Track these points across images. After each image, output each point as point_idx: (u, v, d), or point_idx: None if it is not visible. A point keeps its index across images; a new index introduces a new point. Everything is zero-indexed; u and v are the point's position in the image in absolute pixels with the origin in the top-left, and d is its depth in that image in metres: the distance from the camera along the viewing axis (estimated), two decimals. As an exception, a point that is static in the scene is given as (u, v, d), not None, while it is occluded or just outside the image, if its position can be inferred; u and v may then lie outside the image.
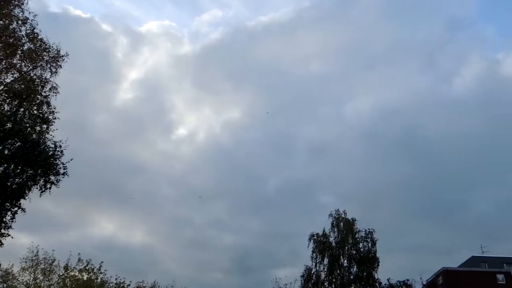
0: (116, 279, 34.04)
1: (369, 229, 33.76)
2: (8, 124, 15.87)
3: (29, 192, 16.05)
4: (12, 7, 17.56)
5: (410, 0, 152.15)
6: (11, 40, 17.10)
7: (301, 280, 32.76)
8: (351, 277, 32.18)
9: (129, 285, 34.16)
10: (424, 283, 41.20)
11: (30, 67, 17.95)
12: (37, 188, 16.27)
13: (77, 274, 32.26)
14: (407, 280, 32.34)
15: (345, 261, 33.39)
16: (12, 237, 15.91)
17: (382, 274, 32.67)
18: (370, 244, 33.49)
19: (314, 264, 33.57)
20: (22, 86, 17.54)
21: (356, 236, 33.94)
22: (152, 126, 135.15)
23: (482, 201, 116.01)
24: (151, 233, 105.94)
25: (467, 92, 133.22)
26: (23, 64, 17.77)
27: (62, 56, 18.34)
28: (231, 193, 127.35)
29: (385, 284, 32.03)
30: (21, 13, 17.73)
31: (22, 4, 17.77)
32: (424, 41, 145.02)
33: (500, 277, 68.86)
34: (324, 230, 34.45)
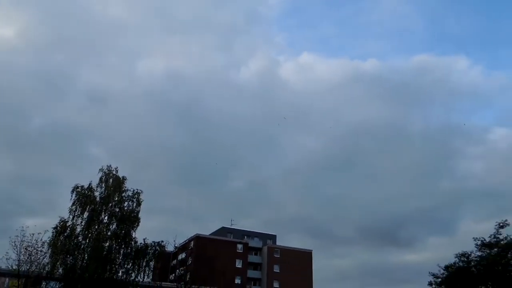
0: None
1: (137, 189, 33.94)
2: None
3: None
4: None
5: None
6: None
7: (53, 232, 30.49)
8: (109, 233, 31.85)
9: None
10: (177, 245, 44.48)
11: None
12: None
13: None
14: (162, 241, 34.03)
15: (106, 217, 32.73)
16: None
17: (140, 233, 33.55)
18: (135, 204, 33.72)
19: (72, 217, 31.72)
20: None
21: (123, 194, 33.67)
22: None
23: (238, 178, 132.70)
24: None
25: (249, 81, 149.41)
26: None
27: None
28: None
29: (141, 243, 32.94)
30: None
31: None
32: (225, 23, 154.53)
33: (239, 246, 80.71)
34: (90, 184, 32.88)
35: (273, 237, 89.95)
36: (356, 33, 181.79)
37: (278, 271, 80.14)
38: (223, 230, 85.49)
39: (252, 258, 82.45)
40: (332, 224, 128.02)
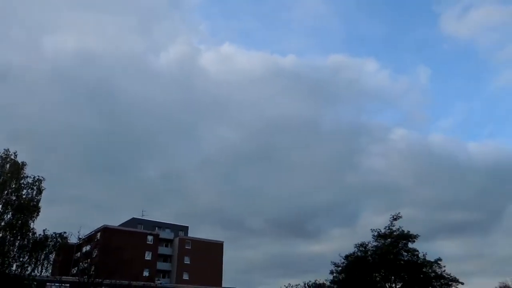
0: None
1: (38, 176, 31.39)
2: None
3: None
4: None
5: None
6: None
7: None
8: (2, 223, 29.12)
9: None
10: (81, 237, 42.06)
11: None
12: None
13: None
14: (64, 232, 31.98)
15: (1, 206, 29.88)
16: None
17: (41, 224, 31.07)
18: (35, 193, 31.19)
19: (-42, 205, 28.50)
20: None
21: (22, 181, 30.97)
22: None
23: (152, 167, 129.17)
24: None
25: (168, 67, 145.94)
26: None
27: None
28: None
29: (40, 234, 30.62)
30: None
31: None
32: (146, 5, 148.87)
33: (150, 238, 78.84)
34: (-17, 169, 29.76)
35: (185, 229, 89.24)
36: (277, 28, 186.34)
37: (189, 262, 79.79)
38: (133, 221, 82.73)
39: (163, 250, 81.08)
40: (245, 216, 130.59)
